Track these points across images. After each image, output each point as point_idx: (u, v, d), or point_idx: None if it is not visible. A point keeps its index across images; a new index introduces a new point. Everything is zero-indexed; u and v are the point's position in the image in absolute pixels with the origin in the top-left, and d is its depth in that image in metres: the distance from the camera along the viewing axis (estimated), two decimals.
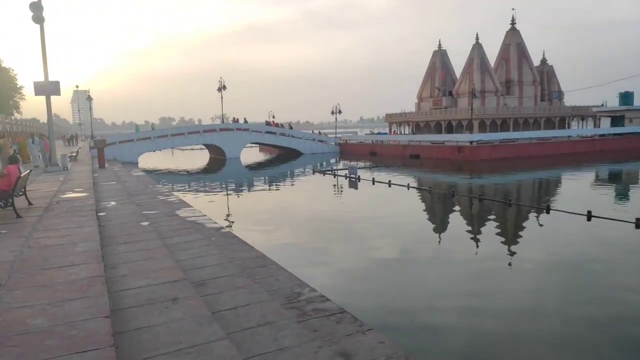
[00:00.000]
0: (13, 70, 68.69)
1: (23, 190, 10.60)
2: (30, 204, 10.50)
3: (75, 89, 70.72)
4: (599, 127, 53.23)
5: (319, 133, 56.73)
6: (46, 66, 19.17)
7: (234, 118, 53.36)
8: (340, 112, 56.92)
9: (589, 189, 24.37)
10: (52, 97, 19.64)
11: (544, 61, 58.21)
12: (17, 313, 4.22)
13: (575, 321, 7.79)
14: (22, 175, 9.97)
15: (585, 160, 35.93)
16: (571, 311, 8.18)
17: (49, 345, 3.60)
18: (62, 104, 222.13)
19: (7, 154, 19.87)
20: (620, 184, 26.57)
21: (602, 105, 55.84)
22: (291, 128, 55.17)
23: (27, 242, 6.96)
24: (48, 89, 19.23)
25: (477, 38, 51.40)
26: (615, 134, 46.21)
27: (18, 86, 69.50)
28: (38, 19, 18.46)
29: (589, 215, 14.45)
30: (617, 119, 49.76)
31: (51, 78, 19.42)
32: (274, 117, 58.86)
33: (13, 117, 62.09)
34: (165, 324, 4.26)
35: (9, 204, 9.24)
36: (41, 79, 19.20)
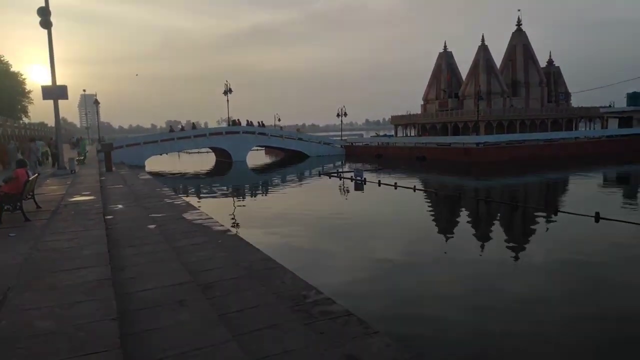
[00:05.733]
0: (21, 75, 69.37)
1: (31, 193, 10.71)
2: (38, 207, 10.59)
3: (83, 92, 71.32)
4: (606, 128, 52.80)
5: (298, 130, 58.72)
6: (54, 70, 19.35)
7: (182, 126, 55.67)
8: (345, 114, 56.93)
9: (597, 190, 24.17)
10: (60, 101, 19.83)
11: (550, 62, 57.81)
12: (25, 315, 4.26)
13: (584, 325, 7.72)
14: (30, 178, 10.06)
15: (593, 161, 35.65)
16: (579, 314, 8.10)
17: (57, 347, 3.63)
18: (69, 108, 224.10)
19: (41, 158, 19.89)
20: (628, 186, 26.35)
21: (610, 106, 55.41)
22: (260, 125, 52.32)
23: (36, 245, 7.02)
24: (55, 93, 19.41)
25: (482, 39, 51.18)
26: (623, 135, 45.83)
27: (26, 90, 70.14)
28: (46, 23, 18.65)
29: (597, 217, 14.34)
30: (625, 120, 49.38)
31: (59, 82, 19.61)
32: (279, 119, 59.21)
33: (21, 121, 62.64)
34: (172, 326, 4.27)
35: (18, 207, 9.32)
36: (49, 82, 19.39)
